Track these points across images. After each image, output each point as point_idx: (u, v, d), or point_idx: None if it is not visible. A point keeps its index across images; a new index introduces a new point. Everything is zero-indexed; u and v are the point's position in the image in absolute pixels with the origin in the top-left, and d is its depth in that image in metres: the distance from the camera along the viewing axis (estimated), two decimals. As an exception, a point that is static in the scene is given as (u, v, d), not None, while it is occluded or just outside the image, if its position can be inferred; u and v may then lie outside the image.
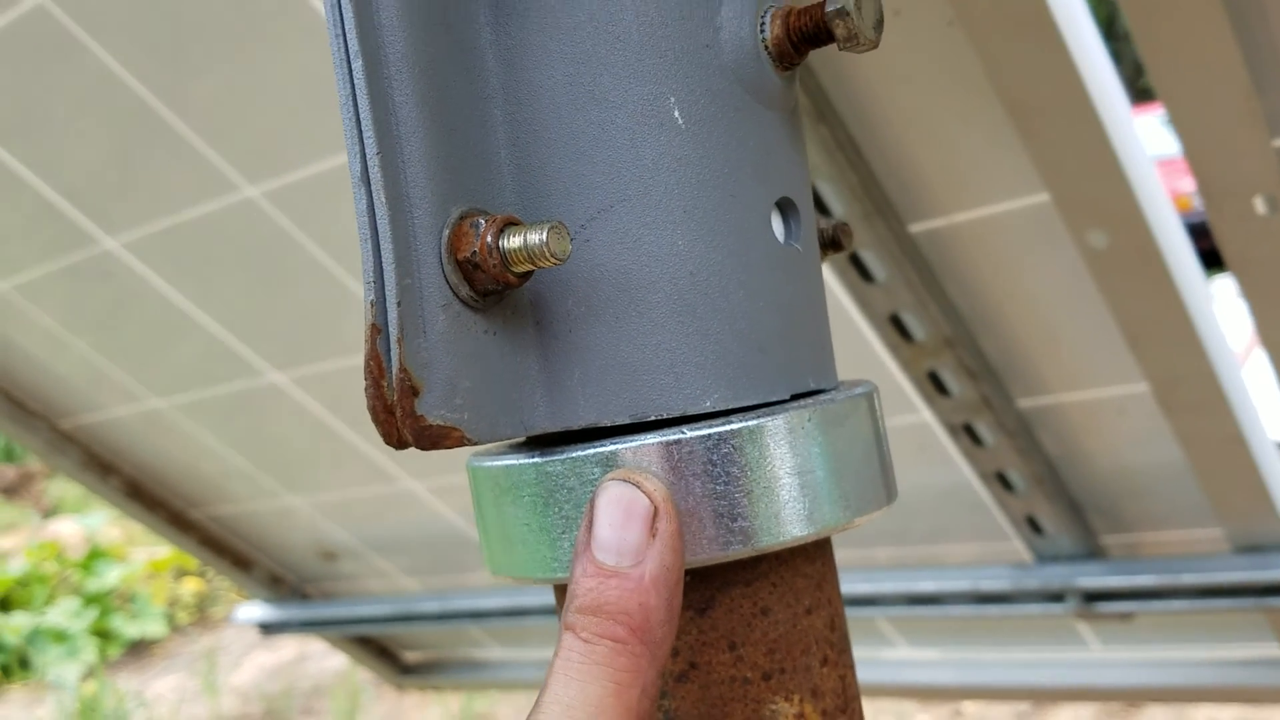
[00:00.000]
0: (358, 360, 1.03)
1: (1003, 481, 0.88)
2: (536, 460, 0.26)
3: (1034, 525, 0.91)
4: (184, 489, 1.35)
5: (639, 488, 0.25)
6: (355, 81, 0.23)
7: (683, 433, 0.25)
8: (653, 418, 0.26)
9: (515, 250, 0.24)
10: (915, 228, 0.74)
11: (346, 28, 0.23)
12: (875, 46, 0.26)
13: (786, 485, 0.26)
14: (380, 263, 0.23)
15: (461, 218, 0.24)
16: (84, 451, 1.30)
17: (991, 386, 0.82)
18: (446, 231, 0.24)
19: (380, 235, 0.23)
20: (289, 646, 5.02)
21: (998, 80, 0.60)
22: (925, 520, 1.00)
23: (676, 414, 0.26)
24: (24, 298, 1.08)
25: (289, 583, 1.49)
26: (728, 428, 0.25)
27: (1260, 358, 0.76)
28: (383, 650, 1.58)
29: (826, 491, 0.27)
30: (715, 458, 0.25)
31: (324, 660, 4.66)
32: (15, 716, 4.74)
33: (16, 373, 1.22)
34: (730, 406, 0.26)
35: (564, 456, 0.26)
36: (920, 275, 0.75)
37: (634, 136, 0.25)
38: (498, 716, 3.73)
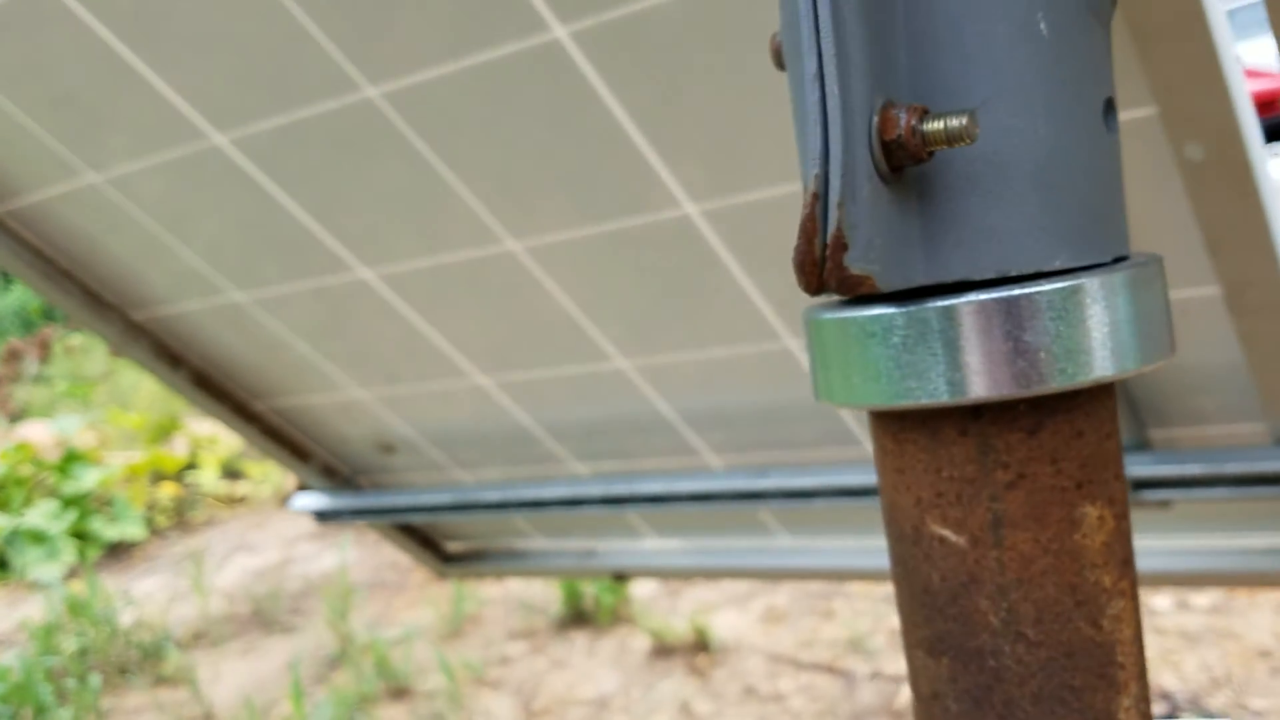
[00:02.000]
0: (446, 260, 1.08)
1: (1067, 377, 0.96)
2: (910, 308, 0.33)
3: (1090, 419, 0.99)
4: (248, 382, 1.40)
5: None
6: (818, 3, 0.29)
7: (1041, 286, 0.32)
8: (1014, 273, 0.32)
9: (935, 132, 0.30)
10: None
11: None
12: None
13: (1107, 331, 0.32)
14: (828, 142, 0.29)
15: (884, 107, 0.30)
16: (154, 342, 1.35)
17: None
18: (875, 118, 0.30)
19: (830, 121, 0.29)
20: (272, 550, 5.10)
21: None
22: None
23: (1032, 270, 0.32)
24: (121, 192, 1.12)
25: (342, 474, 1.55)
26: (1075, 282, 0.32)
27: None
28: (426, 540, 1.65)
29: (1131, 340, 0.33)
30: (1063, 307, 0.32)
31: (309, 564, 4.75)
32: (1, 615, 4.80)
33: (94, 265, 1.26)
34: (1072, 265, 0.32)
35: (943, 303, 0.32)
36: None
37: (1011, 43, 0.31)
38: (484, 618, 3.84)
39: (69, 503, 5.68)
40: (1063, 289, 0.32)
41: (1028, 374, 0.32)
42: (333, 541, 4.72)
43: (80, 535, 5.52)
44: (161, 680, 3.89)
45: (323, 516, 1.55)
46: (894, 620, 3.46)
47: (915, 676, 0.37)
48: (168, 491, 5.87)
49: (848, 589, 3.65)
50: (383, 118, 0.93)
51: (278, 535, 5.22)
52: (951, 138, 0.29)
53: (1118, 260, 0.34)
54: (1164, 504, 1.03)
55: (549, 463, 1.36)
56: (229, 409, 1.41)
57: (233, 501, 5.97)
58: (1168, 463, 0.98)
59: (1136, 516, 1.11)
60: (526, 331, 1.15)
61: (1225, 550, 1.08)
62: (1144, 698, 0.35)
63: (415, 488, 1.49)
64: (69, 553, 5.30)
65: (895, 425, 0.35)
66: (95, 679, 3.69)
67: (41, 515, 5.55)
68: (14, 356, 9.04)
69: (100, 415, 7.19)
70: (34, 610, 4.52)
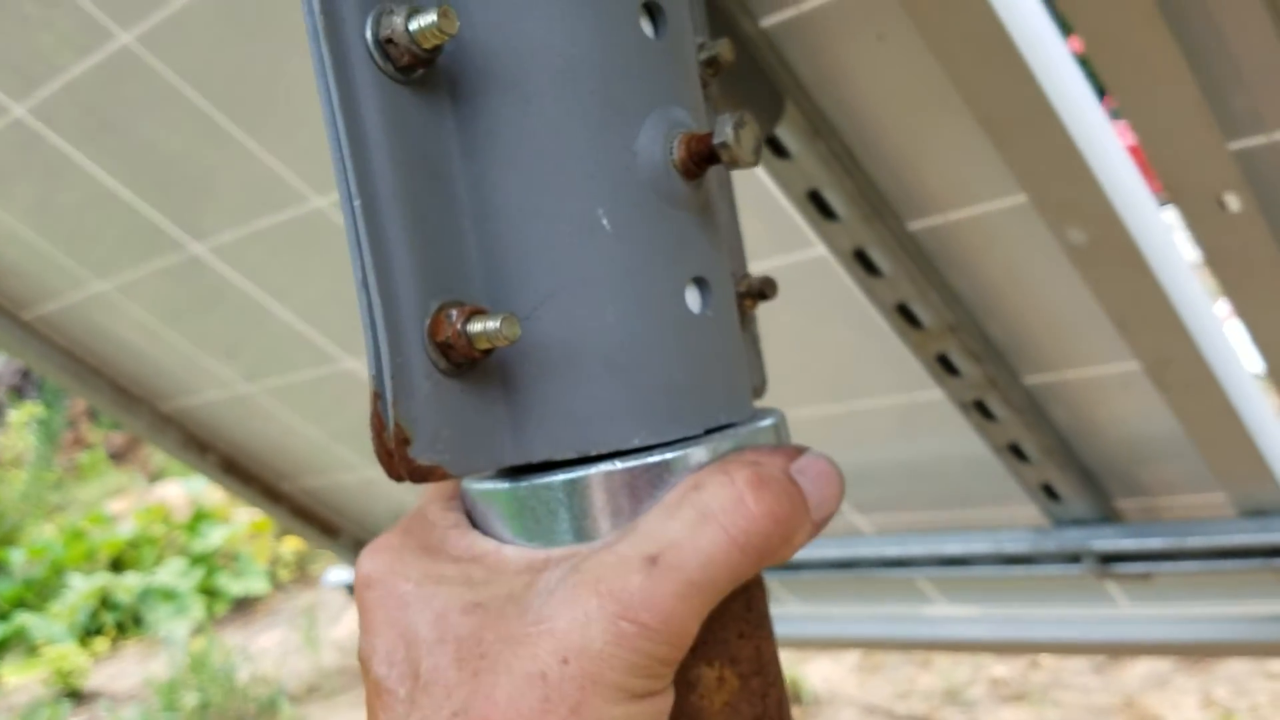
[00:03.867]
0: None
1: (1016, 452, 0.95)
2: (507, 485, 0.34)
3: (1050, 492, 0.98)
4: (274, 463, 1.47)
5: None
6: (355, 214, 0.31)
7: (614, 465, 0.33)
8: (593, 453, 0.34)
9: (478, 334, 0.31)
10: (914, 225, 0.80)
11: (348, 173, 0.31)
12: (755, 165, 0.33)
13: None
14: (378, 347, 0.31)
15: (440, 309, 0.32)
16: (182, 431, 1.42)
17: (996, 366, 0.88)
18: (427, 321, 0.32)
19: (377, 326, 0.31)
20: (385, 603, 5.20)
21: (967, 97, 0.66)
22: (952, 486, 1.06)
23: (611, 450, 0.34)
24: (125, 296, 1.19)
25: (373, 548, 1.60)
26: (648, 460, 0.33)
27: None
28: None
29: None
30: (641, 482, 0.33)
31: (418, 615, 4.83)
32: (130, 671, 5.01)
33: (120, 363, 1.34)
34: (652, 442, 0.34)
35: (527, 483, 0.34)
36: (921, 268, 0.82)
37: (570, 241, 0.33)
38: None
39: (197, 560, 5.90)
40: (636, 467, 0.33)
41: (610, 547, 0.33)
42: (437, 595, 4.80)
43: (208, 591, 5.73)
44: (275, 734, 4.01)
45: (353, 591, 1.60)
46: (993, 670, 3.37)
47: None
48: (290, 546, 6.06)
49: (945, 636, 3.57)
50: (329, 223, 0.98)
51: (388, 588, 5.33)
52: (493, 339, 0.31)
53: (714, 430, 0.35)
54: (1144, 576, 1.00)
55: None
56: (257, 491, 1.48)
57: (347, 555, 6.11)
58: (1130, 536, 0.95)
59: (1121, 588, 1.08)
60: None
61: (1217, 618, 1.05)
62: None
63: (438, 561, 1.53)
64: (197, 608, 5.51)
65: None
66: (211, 734, 3.82)
67: (171, 573, 5.78)
68: (151, 419, 9.47)
69: (228, 474, 7.45)
70: (160, 667, 4.71)
